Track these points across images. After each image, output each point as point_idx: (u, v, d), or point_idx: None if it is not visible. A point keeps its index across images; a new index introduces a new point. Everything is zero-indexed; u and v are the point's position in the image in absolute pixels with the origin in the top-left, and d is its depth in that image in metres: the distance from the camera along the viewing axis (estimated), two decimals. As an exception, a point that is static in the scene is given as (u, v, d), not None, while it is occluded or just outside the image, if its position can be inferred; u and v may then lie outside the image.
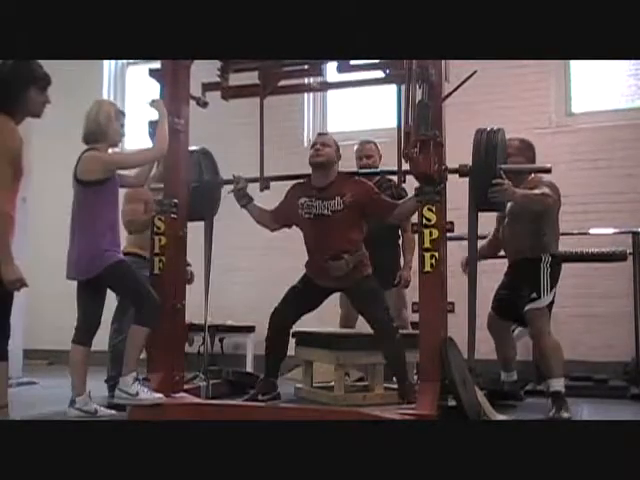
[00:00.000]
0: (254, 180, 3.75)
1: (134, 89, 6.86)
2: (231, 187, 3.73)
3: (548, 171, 3.31)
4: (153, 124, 3.37)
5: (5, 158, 2.77)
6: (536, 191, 3.44)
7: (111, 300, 3.58)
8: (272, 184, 3.78)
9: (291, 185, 3.80)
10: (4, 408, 2.91)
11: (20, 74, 2.91)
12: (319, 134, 3.83)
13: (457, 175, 3.13)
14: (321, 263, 3.55)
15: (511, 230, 3.71)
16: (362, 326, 4.08)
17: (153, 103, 3.39)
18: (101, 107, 3.41)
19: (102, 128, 3.33)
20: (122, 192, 3.81)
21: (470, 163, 3.09)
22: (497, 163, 3.07)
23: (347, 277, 3.55)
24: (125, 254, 3.64)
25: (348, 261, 3.51)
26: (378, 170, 4.14)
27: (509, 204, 3.63)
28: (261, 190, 3.69)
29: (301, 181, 3.75)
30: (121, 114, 3.46)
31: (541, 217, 3.58)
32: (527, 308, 3.56)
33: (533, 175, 3.64)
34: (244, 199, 3.71)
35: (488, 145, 3.07)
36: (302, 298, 3.65)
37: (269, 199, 3.80)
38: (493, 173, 3.05)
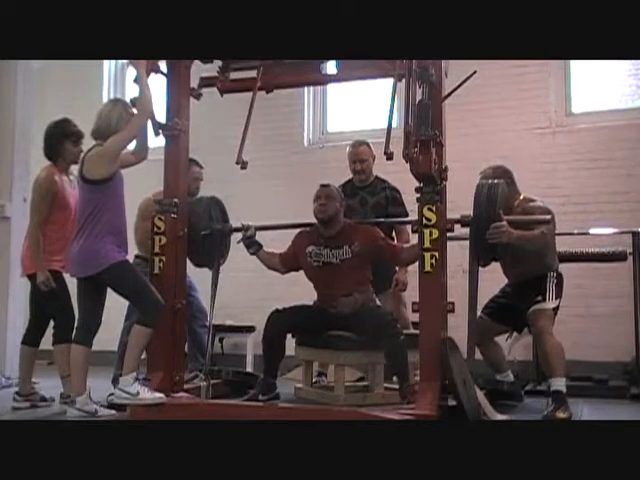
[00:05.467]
0: (263, 228, 3.81)
1: (134, 89, 6.85)
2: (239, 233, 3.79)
3: (547, 222, 3.43)
4: (134, 100, 3.39)
5: (41, 197, 3.71)
6: (535, 232, 3.47)
7: (111, 300, 3.57)
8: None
9: (298, 232, 3.86)
10: None
11: (57, 131, 3.80)
12: (322, 186, 3.76)
13: (457, 176, 3.15)
14: (331, 302, 3.63)
15: (512, 256, 3.61)
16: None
17: (133, 63, 3.40)
18: (114, 107, 3.42)
19: (111, 127, 3.33)
20: (135, 203, 3.79)
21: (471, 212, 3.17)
22: (497, 214, 3.14)
23: (354, 313, 3.61)
24: (137, 257, 3.82)
25: (357, 298, 3.60)
26: (383, 219, 4.08)
27: None
28: (242, 168, 3.55)
29: (307, 229, 3.80)
30: (132, 115, 3.46)
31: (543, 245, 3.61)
32: (531, 309, 3.57)
33: (523, 197, 3.69)
34: (253, 247, 3.77)
35: (489, 199, 3.15)
36: (309, 312, 3.70)
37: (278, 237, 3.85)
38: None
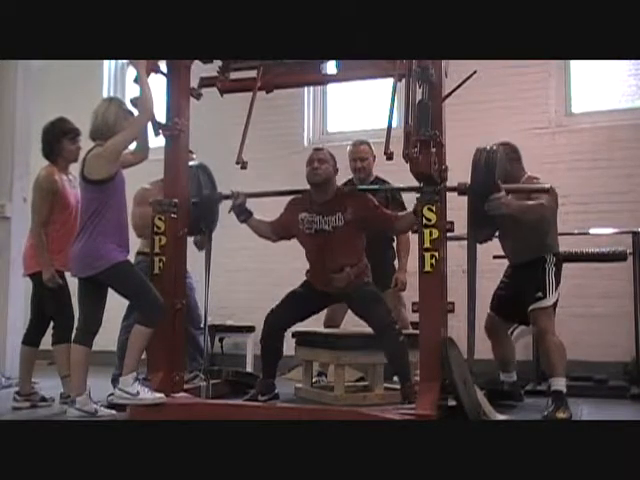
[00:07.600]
0: (253, 195, 3.75)
1: (134, 89, 6.85)
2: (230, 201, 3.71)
3: (546, 192, 3.36)
4: (135, 100, 3.38)
5: (42, 197, 3.74)
6: (534, 202, 3.44)
7: (111, 300, 3.57)
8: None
9: (290, 199, 3.80)
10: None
11: (54, 130, 3.81)
12: (315, 149, 3.77)
13: (457, 175, 3.14)
14: (323, 275, 3.58)
15: (512, 230, 3.69)
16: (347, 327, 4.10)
17: (133, 63, 3.40)
18: (109, 106, 3.42)
19: (109, 126, 3.33)
20: (131, 193, 3.81)
21: (469, 180, 3.10)
22: (495, 182, 3.07)
23: (348, 285, 3.57)
24: (139, 254, 3.85)
25: (350, 273, 3.54)
26: (378, 187, 4.11)
27: None
28: (242, 168, 3.55)
29: (299, 196, 3.75)
30: (129, 113, 3.46)
31: (541, 218, 3.57)
32: (532, 307, 3.56)
33: (528, 175, 3.66)
34: (244, 214, 3.72)
35: (487, 166, 3.07)
36: (301, 302, 3.65)
37: (269, 208, 3.79)
38: (491, 192, 3.07)
